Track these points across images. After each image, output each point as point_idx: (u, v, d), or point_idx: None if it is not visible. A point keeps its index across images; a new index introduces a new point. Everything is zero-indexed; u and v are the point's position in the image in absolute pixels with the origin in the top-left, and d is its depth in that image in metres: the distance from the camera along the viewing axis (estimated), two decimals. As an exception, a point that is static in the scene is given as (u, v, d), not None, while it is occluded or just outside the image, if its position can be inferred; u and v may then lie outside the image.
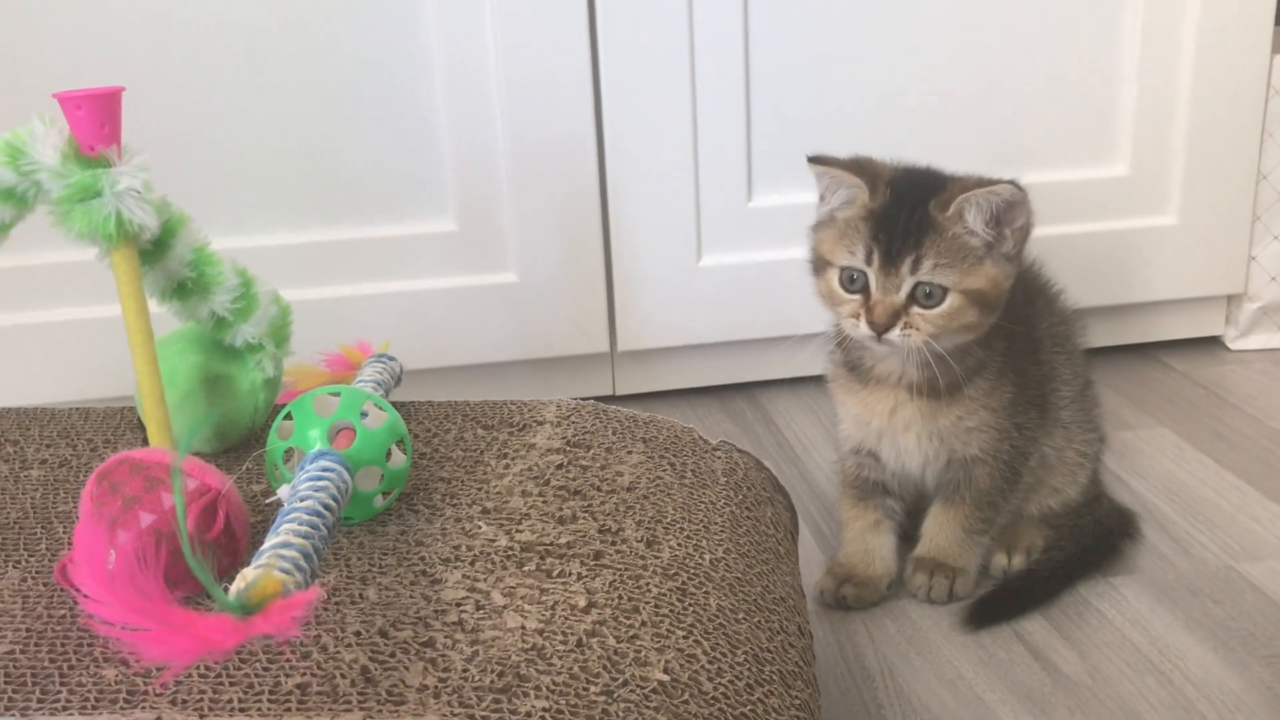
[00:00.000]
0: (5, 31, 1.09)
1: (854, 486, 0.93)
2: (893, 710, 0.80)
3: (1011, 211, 0.80)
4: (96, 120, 0.63)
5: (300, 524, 0.52)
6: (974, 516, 0.90)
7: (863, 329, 0.81)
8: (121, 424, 0.82)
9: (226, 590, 0.45)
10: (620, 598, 0.60)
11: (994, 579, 0.93)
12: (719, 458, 0.79)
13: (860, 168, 0.83)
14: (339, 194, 1.18)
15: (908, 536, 0.95)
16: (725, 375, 1.33)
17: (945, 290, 0.80)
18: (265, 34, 1.13)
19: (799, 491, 1.10)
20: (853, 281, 0.82)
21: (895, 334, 0.80)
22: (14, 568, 0.63)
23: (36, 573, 0.62)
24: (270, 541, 0.50)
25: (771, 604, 0.66)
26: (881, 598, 0.92)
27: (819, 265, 0.85)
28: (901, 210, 0.80)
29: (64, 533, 0.67)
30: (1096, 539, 0.95)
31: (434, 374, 1.24)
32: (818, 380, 1.00)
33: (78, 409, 0.84)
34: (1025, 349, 0.89)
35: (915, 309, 0.80)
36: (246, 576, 0.45)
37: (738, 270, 1.25)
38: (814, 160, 0.83)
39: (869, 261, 0.81)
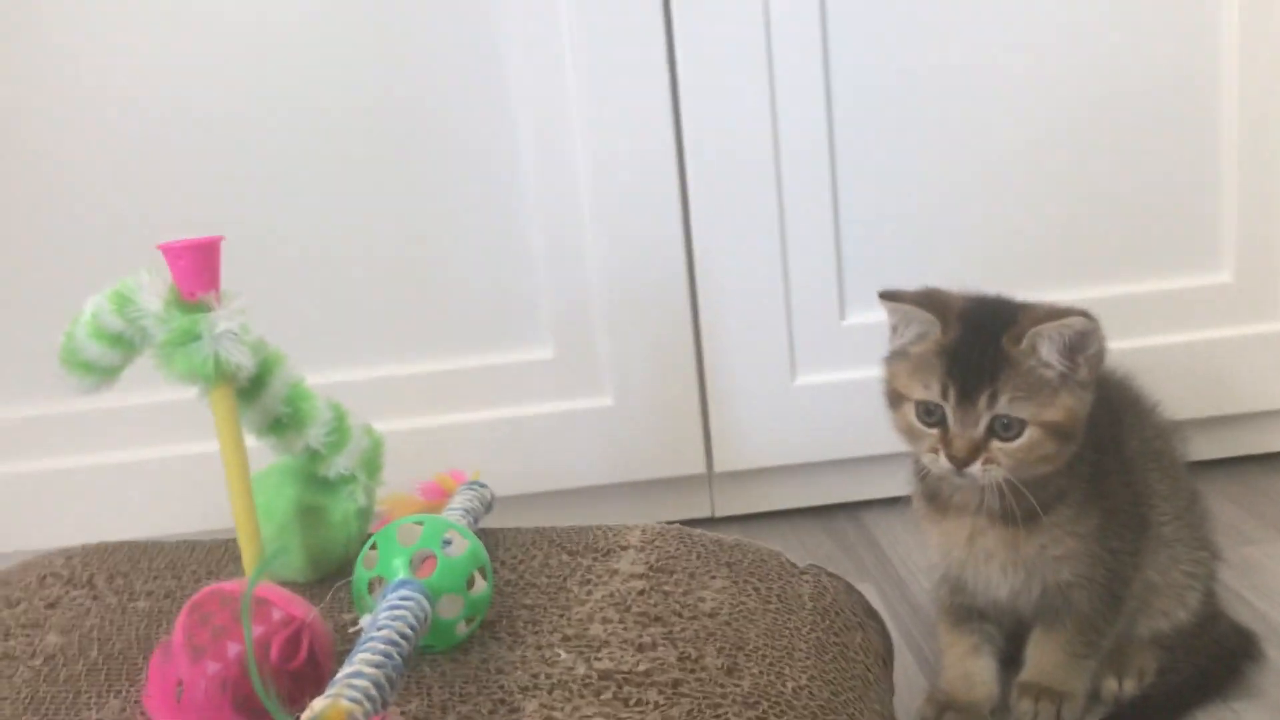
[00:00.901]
0: (110, 185, 1.17)
1: (949, 613, 0.91)
2: (997, 846, 0.76)
3: (1084, 340, 0.80)
4: (196, 268, 0.67)
5: (374, 653, 0.53)
6: (1077, 640, 0.86)
7: (943, 463, 0.81)
8: (225, 556, 0.85)
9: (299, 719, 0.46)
10: (697, 727, 0.60)
11: (1104, 704, 0.89)
12: (806, 581, 0.78)
13: (931, 302, 0.83)
14: (438, 327, 1.23)
15: (1011, 660, 0.92)
16: (827, 495, 1.32)
17: (1024, 423, 0.79)
18: (358, 172, 1.19)
19: (902, 615, 1.08)
20: (930, 415, 0.82)
21: (976, 468, 0.80)
22: (115, 697, 0.65)
23: (135, 702, 0.65)
24: (343, 671, 0.51)
25: (857, 733, 0.65)
26: (984, 727, 0.88)
27: (894, 399, 0.85)
28: (975, 344, 0.80)
29: (164, 663, 0.69)
30: (1215, 661, 0.91)
31: (532, 499, 1.25)
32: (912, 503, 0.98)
33: (185, 542, 0.88)
34: (1114, 470, 0.87)
35: (995, 443, 0.80)
36: (314, 707, 0.46)
37: (834, 389, 1.25)
38: (885, 296, 0.84)
39: (945, 396, 0.80)
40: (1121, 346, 1.16)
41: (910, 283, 1.22)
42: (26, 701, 0.66)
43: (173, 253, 0.67)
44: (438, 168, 1.19)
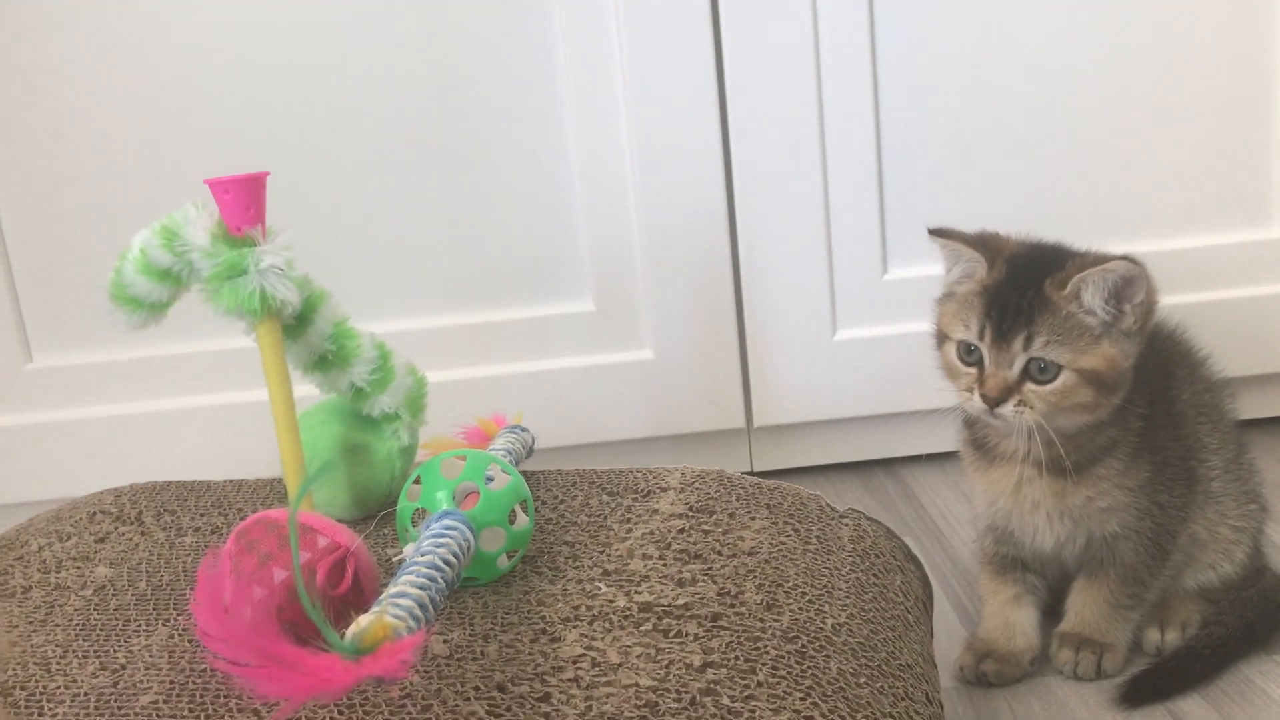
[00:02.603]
0: (159, 123, 1.18)
1: (992, 562, 0.91)
2: (1036, 790, 0.76)
3: (1130, 287, 0.79)
4: (243, 203, 0.67)
5: (418, 576, 0.53)
6: (1120, 591, 0.86)
7: (976, 402, 0.80)
8: (271, 494, 0.86)
9: (344, 637, 0.47)
10: (737, 658, 0.60)
11: (1146, 656, 0.89)
12: (846, 525, 0.78)
13: (981, 242, 0.82)
14: (481, 279, 1.23)
15: (1051, 612, 0.92)
16: (865, 450, 1.31)
17: (1060, 367, 0.79)
18: (407, 129, 1.19)
19: (942, 568, 1.08)
20: (969, 354, 0.81)
21: (1008, 409, 0.79)
22: (164, 625, 0.67)
23: (183, 630, 0.66)
24: (388, 591, 0.52)
25: (896, 670, 0.65)
26: (1024, 674, 0.88)
27: (940, 338, 0.85)
28: (1016, 286, 0.79)
29: (211, 593, 0.70)
30: (1261, 614, 0.90)
31: (572, 451, 1.26)
32: (960, 455, 0.98)
33: (231, 481, 0.89)
34: (1165, 424, 0.86)
35: (1029, 385, 0.79)
36: (360, 622, 0.46)
37: (875, 344, 1.24)
38: (935, 233, 0.83)
39: (981, 336, 0.80)
40: (1169, 302, 1.15)
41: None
42: (78, 629, 0.67)
43: (219, 187, 0.67)
44: (482, 124, 1.19)
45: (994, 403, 0.79)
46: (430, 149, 1.20)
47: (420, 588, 0.52)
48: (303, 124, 1.19)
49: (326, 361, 0.75)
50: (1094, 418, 0.81)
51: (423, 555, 0.57)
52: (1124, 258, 0.78)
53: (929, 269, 1.23)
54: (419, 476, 0.68)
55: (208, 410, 1.23)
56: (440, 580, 0.55)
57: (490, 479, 0.68)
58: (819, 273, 1.22)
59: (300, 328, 0.73)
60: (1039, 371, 0.79)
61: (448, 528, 0.61)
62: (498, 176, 1.20)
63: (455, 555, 0.59)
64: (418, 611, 0.50)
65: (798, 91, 1.18)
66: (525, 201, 1.21)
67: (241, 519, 0.81)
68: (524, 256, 1.23)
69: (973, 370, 0.81)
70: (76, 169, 1.19)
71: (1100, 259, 0.79)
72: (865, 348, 1.24)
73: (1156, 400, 0.85)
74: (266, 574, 0.59)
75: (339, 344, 0.75)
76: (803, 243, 1.21)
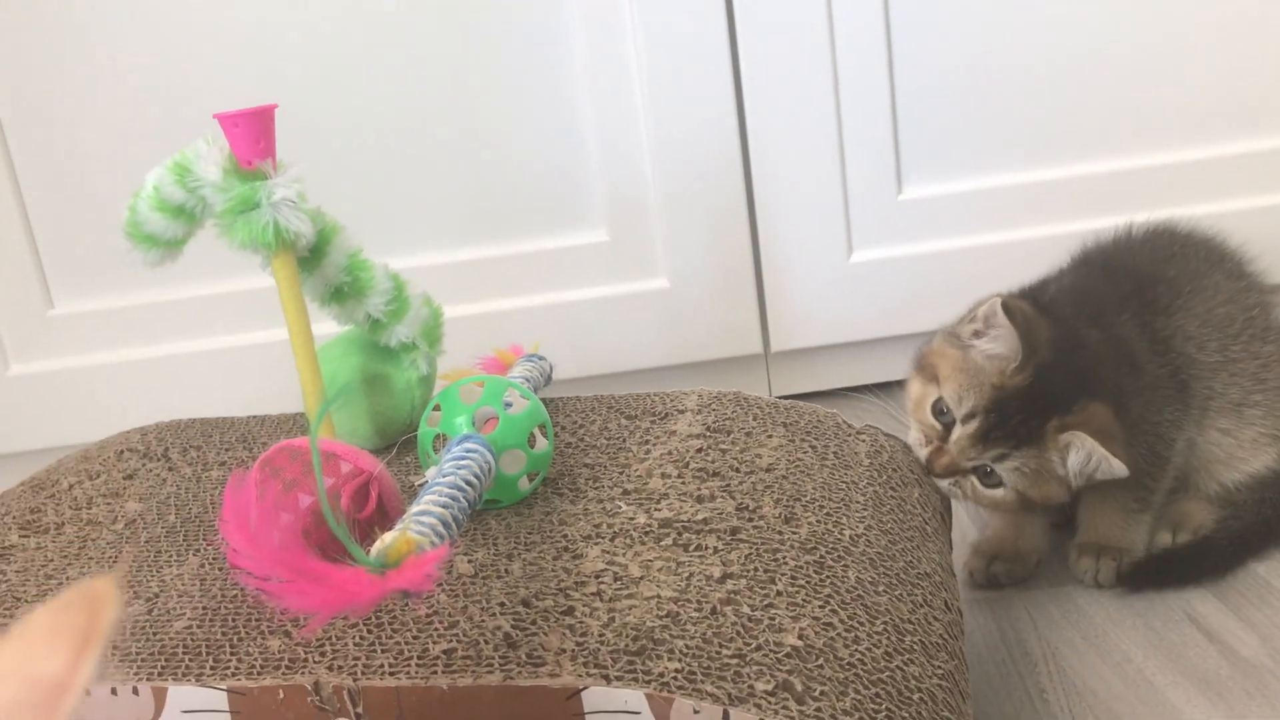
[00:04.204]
0: (163, 58, 1.17)
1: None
2: (1056, 694, 0.77)
3: (1104, 471, 0.80)
4: (253, 136, 0.68)
5: (440, 495, 0.54)
6: (1126, 496, 0.87)
7: (919, 452, 0.83)
8: (294, 427, 0.87)
9: (369, 554, 0.48)
10: (756, 569, 0.61)
11: (1163, 559, 0.90)
12: (863, 440, 0.79)
13: (1028, 336, 0.80)
14: (494, 212, 1.23)
15: (1055, 526, 0.93)
16: (883, 372, 1.32)
17: (1006, 487, 0.82)
18: (417, 59, 1.18)
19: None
20: (941, 415, 0.82)
21: (945, 482, 0.82)
22: (194, 555, 0.68)
23: (213, 559, 0.67)
24: (411, 510, 0.52)
25: (915, 579, 0.66)
26: (1031, 574, 0.89)
27: (925, 369, 0.85)
28: (1025, 406, 0.80)
29: (239, 524, 0.71)
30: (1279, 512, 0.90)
31: (589, 381, 1.27)
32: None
33: (255, 417, 0.90)
34: (1147, 351, 0.87)
35: (973, 478, 0.82)
36: (384, 539, 0.47)
37: (890, 265, 1.24)
38: (1007, 312, 0.81)
39: (965, 421, 0.81)
40: (1211, 211, 1.14)
41: (967, 156, 1.21)
42: (111, 561, 0.69)
43: (229, 120, 0.67)
44: (492, 53, 1.19)
45: (933, 473, 0.82)
46: (438, 80, 1.19)
47: (443, 506, 0.53)
48: (313, 56, 1.18)
49: (342, 294, 0.76)
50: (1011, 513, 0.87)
51: (444, 476, 0.58)
52: (1121, 462, 0.78)
53: (944, 187, 1.23)
54: (438, 403, 0.69)
55: (228, 351, 1.24)
56: (462, 500, 0.56)
57: (509, 404, 0.69)
58: (833, 195, 1.22)
59: (315, 260, 0.73)
60: (986, 475, 0.82)
61: (468, 450, 0.62)
62: (508, 106, 1.20)
63: (476, 476, 0.60)
64: (440, 529, 0.51)
65: (809, 10, 1.16)
66: (536, 130, 1.21)
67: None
68: (537, 188, 1.22)
69: (935, 427, 0.83)
70: (92, 114, 1.19)
71: (1108, 434, 0.79)
72: (881, 269, 1.24)
73: (1144, 324, 0.86)
74: (292, 500, 0.60)
75: (354, 275, 0.75)
76: (816, 165, 1.21)
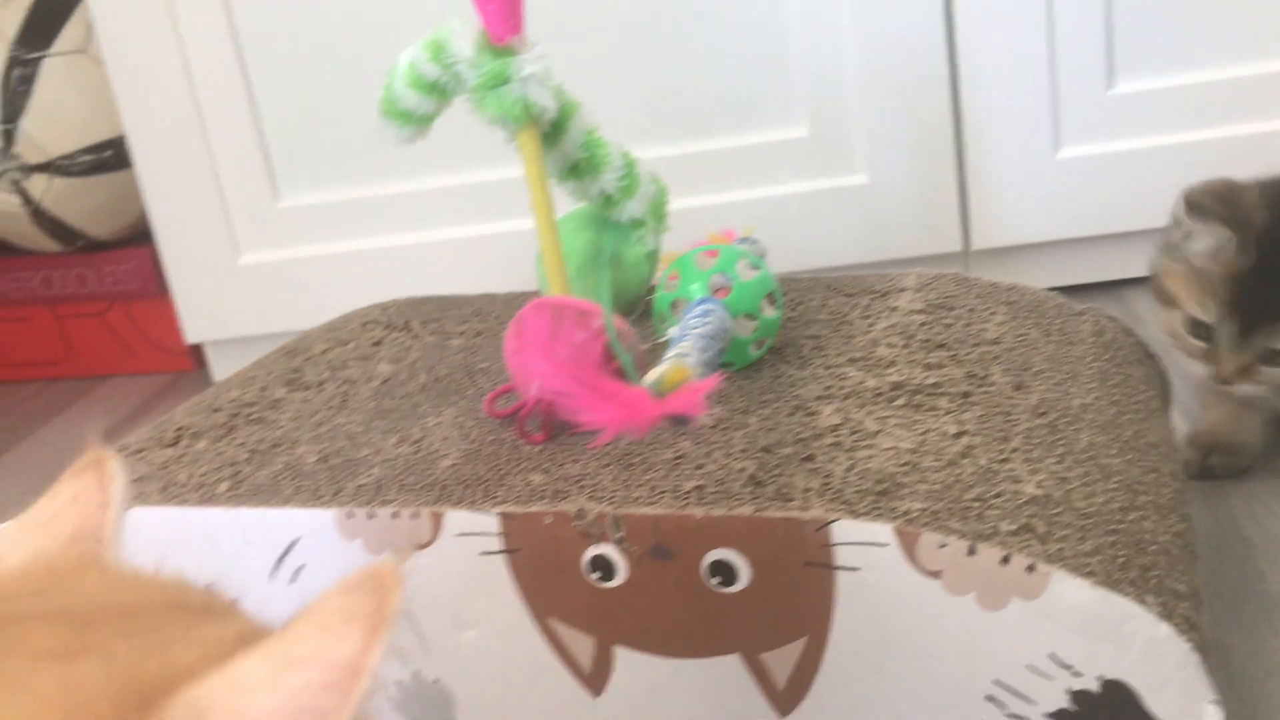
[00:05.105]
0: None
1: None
2: (1275, 576, 0.77)
3: None
4: (504, 13, 0.71)
5: (694, 342, 0.58)
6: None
7: (1206, 373, 0.82)
8: (524, 304, 0.92)
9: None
10: (990, 428, 0.63)
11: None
12: (1086, 321, 0.79)
13: (1236, 222, 0.78)
14: (691, 109, 1.25)
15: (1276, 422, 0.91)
16: (1086, 273, 1.30)
17: None
18: (628, -41, 1.21)
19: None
20: (1199, 330, 0.81)
21: (1243, 386, 0.81)
22: (450, 407, 0.73)
23: (469, 410, 0.72)
24: (670, 352, 0.56)
25: (1144, 447, 0.66)
26: (1247, 467, 0.88)
27: (1164, 298, 0.84)
28: (1265, 277, 0.78)
29: (485, 383, 0.77)
30: None
31: (785, 280, 1.28)
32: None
33: (484, 295, 0.96)
34: None
35: (1263, 366, 0.80)
36: (658, 369, 0.51)
37: (1099, 161, 1.22)
38: (1190, 206, 0.79)
39: (1221, 324, 0.79)
40: None
41: (1184, 49, 1.17)
42: (373, 412, 0.75)
43: (483, -1, 0.71)
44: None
45: (1226, 382, 0.80)
46: (646, -21, 1.21)
47: (700, 349, 0.56)
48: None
49: (579, 169, 0.79)
50: None
51: (692, 329, 0.61)
52: None
53: (1158, 81, 1.20)
54: (675, 270, 0.72)
55: (445, 243, 1.30)
56: (711, 349, 0.59)
57: (740, 272, 0.71)
58: (1040, 88, 1.20)
59: (556, 135, 0.77)
60: (1273, 355, 0.80)
61: (708, 310, 0.65)
62: (708, 3, 1.21)
63: (719, 332, 0.63)
64: (701, 368, 0.54)
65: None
66: (735, 24, 1.22)
67: (501, 326, 0.88)
68: (734, 83, 1.24)
69: (1201, 345, 0.81)
70: (319, 9, 1.25)
71: None
72: (1089, 166, 1.22)
73: None
74: (569, 333, 0.63)
75: (590, 152, 0.79)
76: (1023, 56, 1.19)
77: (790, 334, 0.77)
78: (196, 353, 1.48)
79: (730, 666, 0.58)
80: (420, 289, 1.31)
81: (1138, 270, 1.28)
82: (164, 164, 1.32)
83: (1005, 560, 0.52)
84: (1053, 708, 0.53)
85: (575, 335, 0.55)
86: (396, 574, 0.28)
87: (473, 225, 1.30)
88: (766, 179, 1.26)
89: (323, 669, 0.26)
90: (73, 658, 0.27)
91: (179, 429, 0.76)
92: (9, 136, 1.37)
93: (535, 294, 0.91)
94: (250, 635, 0.29)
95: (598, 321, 0.65)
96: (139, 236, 1.46)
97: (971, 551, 0.53)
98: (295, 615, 0.28)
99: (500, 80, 0.72)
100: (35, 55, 1.36)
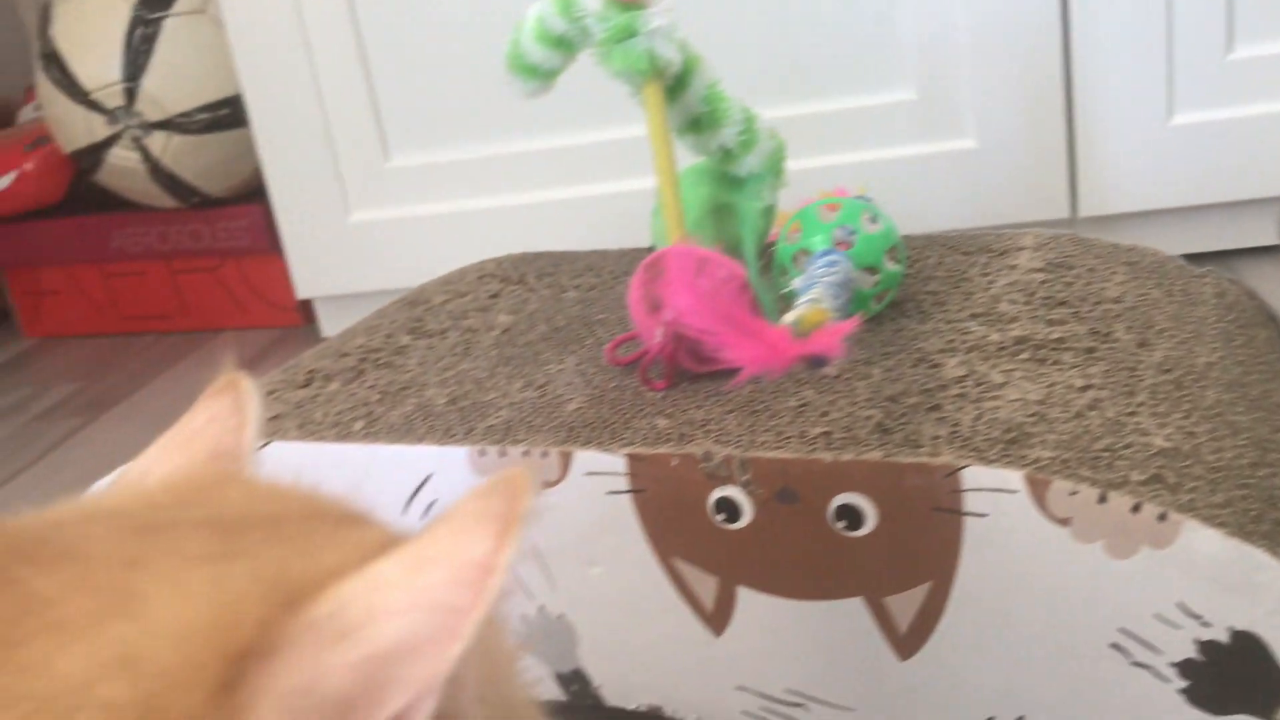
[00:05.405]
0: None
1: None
2: (1401, 545, 0.76)
3: None
4: (633, -34, 0.72)
5: (824, 289, 0.59)
6: None
7: None
8: (636, 260, 0.93)
9: (773, 330, 0.53)
10: (1116, 383, 0.63)
11: None
12: (1208, 283, 0.79)
13: None
14: (798, 70, 1.25)
15: None
16: (1199, 242, 1.28)
17: None
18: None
19: (1284, 350, 1.05)
20: None
21: None
22: (570, 355, 0.75)
23: (589, 358, 0.74)
24: (803, 297, 0.57)
25: (1272, 406, 0.66)
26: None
27: None
28: None
29: (603, 333, 0.78)
30: None
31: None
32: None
33: (596, 251, 0.97)
34: None
35: None
36: (796, 310, 0.52)
37: (1215, 128, 1.19)
38: None
39: None
40: None
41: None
42: (495, 359, 0.77)
43: (613, -48, 0.72)
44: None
45: None
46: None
47: (833, 295, 0.57)
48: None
49: (700, 124, 0.80)
50: None
51: (819, 278, 0.62)
52: None
53: (1280, 45, 1.17)
54: (798, 221, 0.73)
55: (553, 203, 1.32)
56: (841, 298, 0.60)
57: (863, 226, 0.72)
58: (1155, 51, 1.18)
59: (678, 89, 0.78)
60: None
61: (833, 262, 0.66)
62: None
63: (846, 281, 0.64)
64: (835, 312, 0.55)
65: None
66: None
67: (615, 280, 0.89)
68: (844, 43, 1.23)
69: None
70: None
71: None
72: (1204, 132, 1.19)
73: None
74: (711, 272, 0.64)
75: (711, 106, 0.79)
76: (1139, 20, 1.17)
77: (909, 289, 0.77)
78: (305, 308, 1.52)
79: (853, 609, 0.59)
80: (526, 249, 1.34)
81: (1251, 240, 1.26)
82: (278, 123, 1.35)
83: (1136, 509, 0.53)
84: (1179, 657, 0.54)
85: (718, 273, 0.56)
86: (527, 478, 0.28)
87: (577, 186, 1.31)
88: (875, 141, 1.26)
89: (456, 567, 0.27)
90: (222, 560, 0.29)
91: (310, 371, 0.79)
92: (131, 94, 1.41)
93: (648, 250, 0.92)
94: (389, 541, 0.30)
95: (723, 270, 0.66)
96: (252, 194, 1.50)
97: (1102, 499, 0.53)
98: (431, 520, 0.29)
99: (628, 33, 0.73)
100: (157, 15, 1.41)
